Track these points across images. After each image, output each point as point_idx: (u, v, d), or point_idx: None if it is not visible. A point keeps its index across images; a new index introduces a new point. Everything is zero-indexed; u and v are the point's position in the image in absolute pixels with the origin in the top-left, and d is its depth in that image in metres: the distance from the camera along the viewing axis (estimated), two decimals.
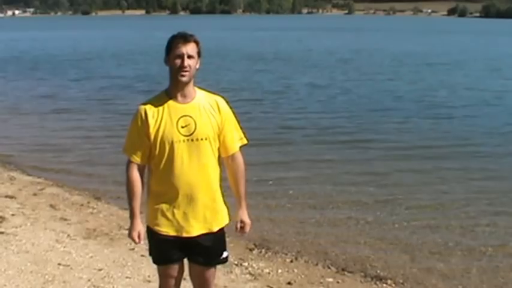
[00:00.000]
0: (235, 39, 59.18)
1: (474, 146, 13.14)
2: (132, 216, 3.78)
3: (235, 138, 3.84)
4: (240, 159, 3.90)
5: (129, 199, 3.76)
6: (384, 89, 22.88)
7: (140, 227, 3.79)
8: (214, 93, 3.85)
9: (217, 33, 67.82)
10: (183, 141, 3.62)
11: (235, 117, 3.89)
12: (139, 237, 3.79)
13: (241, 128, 3.93)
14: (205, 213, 3.72)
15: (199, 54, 3.66)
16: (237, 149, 3.87)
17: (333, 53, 41.71)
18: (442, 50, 44.93)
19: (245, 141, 3.93)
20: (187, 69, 3.57)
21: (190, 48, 3.59)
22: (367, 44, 53.51)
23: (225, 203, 3.88)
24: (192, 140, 3.63)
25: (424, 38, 64.38)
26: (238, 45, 50.21)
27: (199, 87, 3.79)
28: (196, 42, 3.65)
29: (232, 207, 3.98)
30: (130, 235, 3.81)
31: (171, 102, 3.65)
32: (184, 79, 3.59)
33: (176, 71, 3.58)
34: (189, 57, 3.58)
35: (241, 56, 38.33)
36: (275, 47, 48.12)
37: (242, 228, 3.98)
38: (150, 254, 3.93)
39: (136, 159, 3.70)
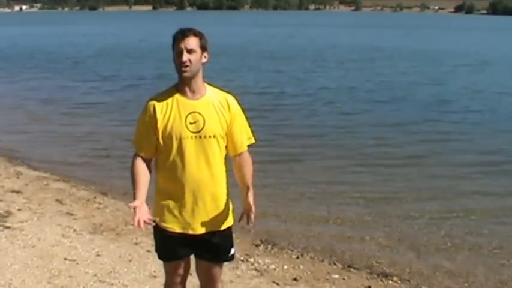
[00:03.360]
0: (248, 36, 57.35)
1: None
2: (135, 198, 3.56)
3: (244, 137, 3.80)
4: (248, 158, 3.86)
5: (134, 188, 3.60)
6: (423, 92, 21.06)
7: (142, 204, 3.48)
8: (224, 91, 3.81)
9: (229, 30, 67.15)
10: (191, 137, 3.59)
11: (245, 115, 3.85)
12: (143, 216, 3.44)
13: (250, 127, 3.89)
14: (212, 211, 3.70)
15: (203, 48, 3.62)
16: (245, 148, 3.83)
17: (354, 51, 40.27)
18: (470, 49, 42.60)
19: (253, 141, 3.88)
20: (187, 63, 3.52)
21: (189, 43, 3.54)
22: (387, 41, 52.04)
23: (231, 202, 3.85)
24: (200, 137, 3.60)
25: (443, 36, 62.92)
26: (252, 42, 48.72)
27: (210, 84, 3.75)
28: (198, 36, 3.60)
29: (235, 207, 3.93)
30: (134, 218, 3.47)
31: (180, 97, 3.62)
32: (186, 74, 3.55)
33: (178, 67, 3.56)
34: (189, 51, 3.53)
35: (259, 55, 36.84)
36: (291, 44, 46.84)
37: (248, 214, 3.74)
38: (156, 251, 3.93)
39: (143, 153, 3.68)
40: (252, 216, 3.73)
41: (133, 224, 3.45)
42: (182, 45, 3.53)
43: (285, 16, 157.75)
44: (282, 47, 43.85)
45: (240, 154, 3.81)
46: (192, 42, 3.56)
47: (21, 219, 7.46)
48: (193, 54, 3.55)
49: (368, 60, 33.94)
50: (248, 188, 3.80)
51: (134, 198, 3.53)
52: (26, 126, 15.11)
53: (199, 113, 3.61)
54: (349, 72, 27.27)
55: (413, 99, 19.58)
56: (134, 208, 3.44)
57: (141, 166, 3.65)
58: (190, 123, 3.59)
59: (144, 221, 3.42)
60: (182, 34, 3.56)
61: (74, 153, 12.25)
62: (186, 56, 3.51)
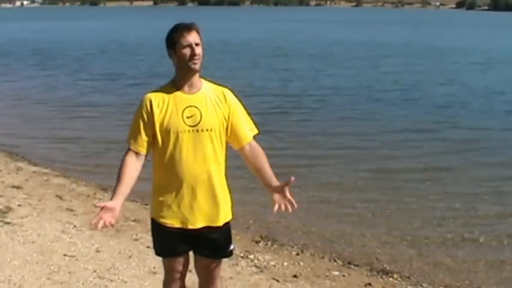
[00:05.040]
0: (253, 33, 56.09)
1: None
2: (112, 197, 3.59)
3: (247, 128, 3.79)
4: (257, 145, 3.84)
5: (116, 181, 3.62)
6: (439, 92, 20.23)
7: (115, 205, 3.55)
8: (221, 85, 3.82)
9: (233, 26, 66.70)
10: (188, 131, 3.58)
11: (245, 108, 3.84)
12: (102, 214, 3.51)
13: (251, 118, 3.88)
14: (210, 205, 3.69)
15: (202, 42, 3.64)
16: (251, 138, 3.81)
17: (361, 48, 39.23)
18: (479, 47, 41.53)
19: (256, 131, 3.87)
20: (198, 57, 3.55)
21: (195, 36, 3.58)
22: (393, 38, 51.06)
23: (230, 197, 3.83)
24: (197, 131, 3.59)
25: (448, 32, 62.09)
26: (257, 39, 47.52)
27: (206, 79, 3.76)
28: (198, 30, 3.63)
29: (235, 203, 3.92)
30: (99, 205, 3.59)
31: (177, 92, 3.62)
32: (196, 67, 3.56)
33: (187, 60, 3.55)
34: (197, 45, 3.57)
35: (265, 52, 35.70)
36: (297, 41, 45.90)
37: (288, 201, 3.79)
38: (154, 247, 3.92)
39: (138, 148, 3.65)
40: (293, 201, 3.79)
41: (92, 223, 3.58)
42: (191, 39, 3.55)
43: (286, 12, 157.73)
44: (288, 43, 43.06)
45: (248, 144, 3.79)
46: (197, 36, 3.60)
47: (21, 215, 7.45)
48: (200, 47, 3.58)
49: (376, 57, 33.09)
50: (273, 179, 3.80)
51: (111, 198, 3.60)
52: (27, 122, 15.11)
53: (196, 107, 3.60)
54: (360, 71, 26.43)
55: (429, 100, 18.70)
56: (102, 207, 3.53)
57: (130, 165, 3.63)
58: (187, 117, 3.59)
59: (104, 222, 3.52)
60: (188, 28, 3.58)
61: (74, 149, 12.25)
62: (197, 49, 3.55)
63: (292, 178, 3.74)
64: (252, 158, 3.82)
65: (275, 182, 3.81)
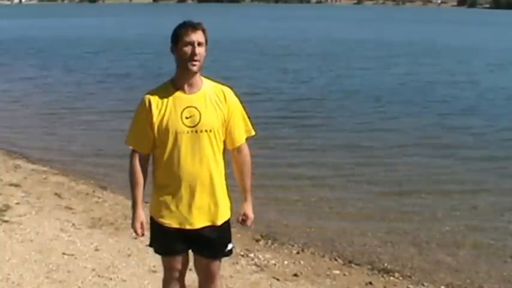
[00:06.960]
0: (258, 31, 54.74)
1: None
2: (134, 206, 3.73)
3: (242, 131, 3.77)
4: (246, 151, 3.84)
5: (132, 189, 3.73)
6: (463, 97, 18.97)
7: (142, 218, 3.74)
8: (221, 83, 3.79)
9: (236, 24, 66.31)
10: (187, 132, 3.56)
11: (244, 108, 3.81)
12: (141, 228, 3.75)
13: (249, 118, 3.85)
14: (208, 205, 3.67)
15: (207, 42, 3.61)
16: (244, 140, 3.80)
17: (370, 47, 38.15)
18: (495, 46, 40.23)
19: (253, 133, 3.85)
20: (198, 57, 3.52)
21: (199, 36, 3.54)
22: (401, 36, 50.02)
23: (229, 196, 3.83)
24: (196, 132, 3.57)
25: (457, 30, 60.80)
26: (265, 37, 46.38)
27: (206, 77, 3.72)
28: (204, 31, 3.60)
29: (235, 201, 3.92)
30: (132, 226, 3.77)
31: (176, 92, 3.60)
32: (195, 68, 3.54)
33: (187, 59, 3.52)
34: (199, 44, 3.53)
35: (275, 51, 34.53)
36: (304, 39, 44.72)
37: (244, 221, 3.94)
38: (151, 245, 3.92)
39: (140, 149, 3.66)
40: (249, 223, 3.94)
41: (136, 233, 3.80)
42: (194, 38, 3.52)
43: (287, 9, 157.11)
44: (294, 42, 42.01)
45: (238, 147, 3.79)
46: (202, 36, 3.57)
47: (19, 213, 7.41)
48: (202, 48, 3.55)
49: (385, 57, 31.59)
50: (247, 194, 3.91)
51: (133, 207, 3.73)
52: (26, 120, 15.07)
53: (195, 108, 3.58)
54: (371, 71, 25.47)
55: (444, 103, 17.74)
56: (140, 227, 3.75)
57: (138, 167, 3.71)
58: (186, 118, 3.56)
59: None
60: (194, 27, 3.56)
61: (73, 147, 12.20)
62: (198, 49, 3.52)
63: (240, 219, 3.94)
64: (238, 164, 3.86)
65: (245, 201, 3.92)
